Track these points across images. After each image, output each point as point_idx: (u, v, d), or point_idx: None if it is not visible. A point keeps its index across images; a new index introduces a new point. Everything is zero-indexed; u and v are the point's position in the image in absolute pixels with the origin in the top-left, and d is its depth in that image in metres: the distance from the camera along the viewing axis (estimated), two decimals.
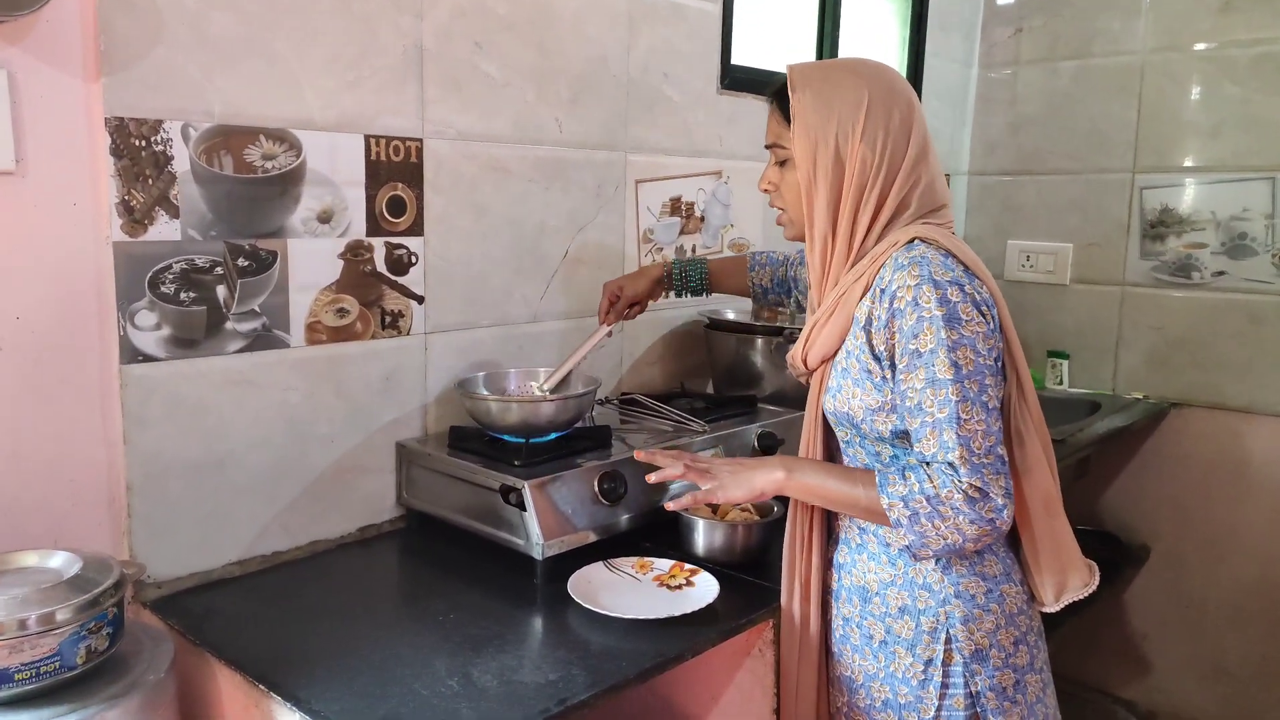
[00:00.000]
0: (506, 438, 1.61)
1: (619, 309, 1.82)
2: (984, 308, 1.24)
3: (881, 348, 1.26)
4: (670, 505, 1.39)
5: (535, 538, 1.45)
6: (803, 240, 1.39)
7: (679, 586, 1.43)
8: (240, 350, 1.47)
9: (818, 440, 1.40)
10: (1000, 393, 1.25)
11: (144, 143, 1.33)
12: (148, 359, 1.37)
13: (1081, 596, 1.35)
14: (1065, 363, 2.90)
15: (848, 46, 2.64)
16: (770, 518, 1.55)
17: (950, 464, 1.19)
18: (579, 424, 1.68)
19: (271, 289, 1.49)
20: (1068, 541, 1.35)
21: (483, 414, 1.61)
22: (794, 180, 1.34)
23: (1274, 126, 2.53)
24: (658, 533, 1.58)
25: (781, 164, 1.38)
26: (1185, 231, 2.70)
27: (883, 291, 1.25)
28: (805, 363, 1.38)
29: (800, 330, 2.01)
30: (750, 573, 1.50)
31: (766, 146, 1.40)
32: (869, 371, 1.28)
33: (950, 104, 3.02)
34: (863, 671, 1.36)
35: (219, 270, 1.43)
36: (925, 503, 1.19)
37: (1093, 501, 2.82)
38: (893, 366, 1.25)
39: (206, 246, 1.41)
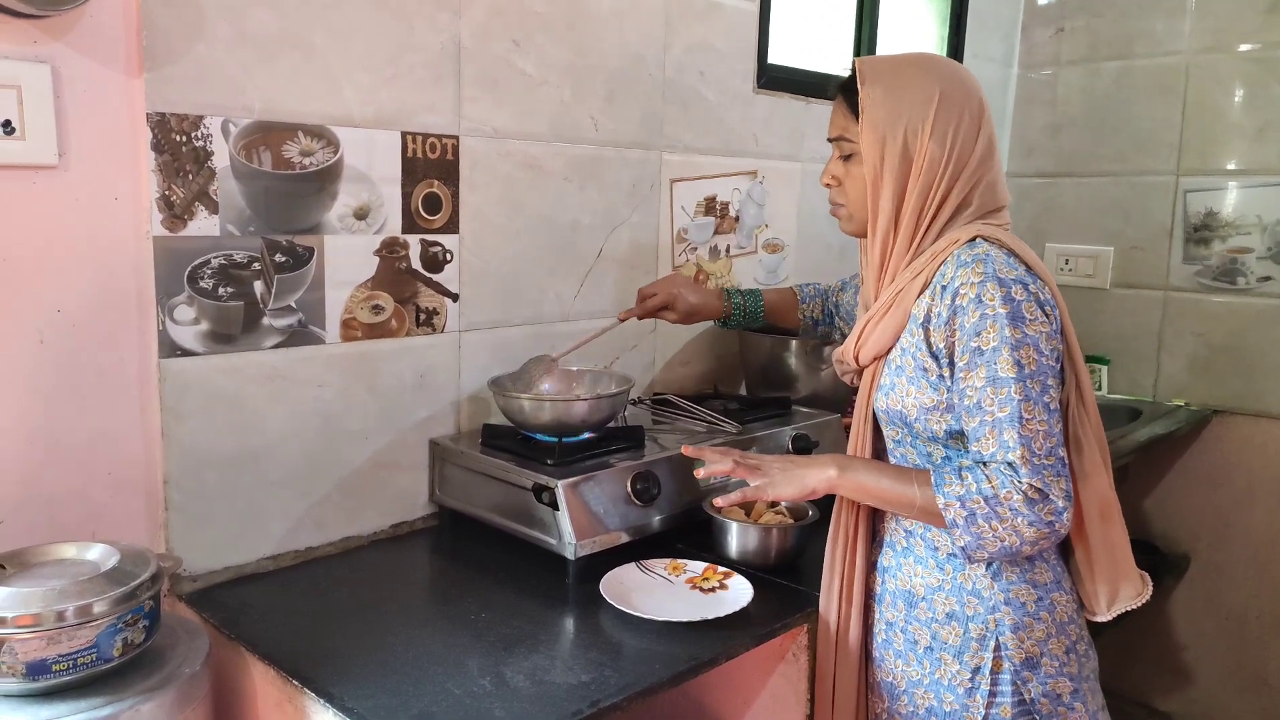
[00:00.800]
0: (539, 436, 1.60)
1: (647, 306, 1.79)
2: (1047, 308, 1.22)
3: (941, 345, 1.23)
4: (720, 501, 1.37)
5: (568, 537, 1.44)
6: (861, 235, 1.37)
7: (712, 589, 1.41)
8: (276, 346, 1.47)
9: (867, 439, 1.37)
10: (1060, 395, 1.23)
11: (185, 138, 1.34)
12: (186, 353, 1.38)
13: (1134, 606, 1.33)
14: (1104, 368, 2.84)
15: (886, 46, 2.61)
16: (805, 521, 1.53)
17: (1010, 464, 1.17)
18: (612, 424, 1.67)
19: (308, 285, 1.50)
20: (1123, 550, 1.32)
21: (516, 412, 1.60)
22: (858, 175, 1.32)
23: None
24: (690, 534, 1.57)
25: (846, 158, 1.35)
26: (1230, 235, 2.64)
27: (944, 288, 1.23)
28: (857, 359, 1.35)
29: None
30: (784, 576, 1.48)
31: (831, 139, 1.37)
32: (925, 369, 1.26)
33: (989, 104, 2.97)
34: (905, 677, 1.34)
35: (256, 266, 1.43)
36: (983, 503, 1.17)
37: (1132, 510, 2.76)
38: (951, 365, 1.23)
39: (245, 242, 1.42)
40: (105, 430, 1.33)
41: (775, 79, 2.25)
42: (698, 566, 1.47)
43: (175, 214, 1.34)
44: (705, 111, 2.10)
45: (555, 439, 1.58)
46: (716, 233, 2.18)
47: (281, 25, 1.41)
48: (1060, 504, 1.17)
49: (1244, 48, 2.59)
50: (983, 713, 1.27)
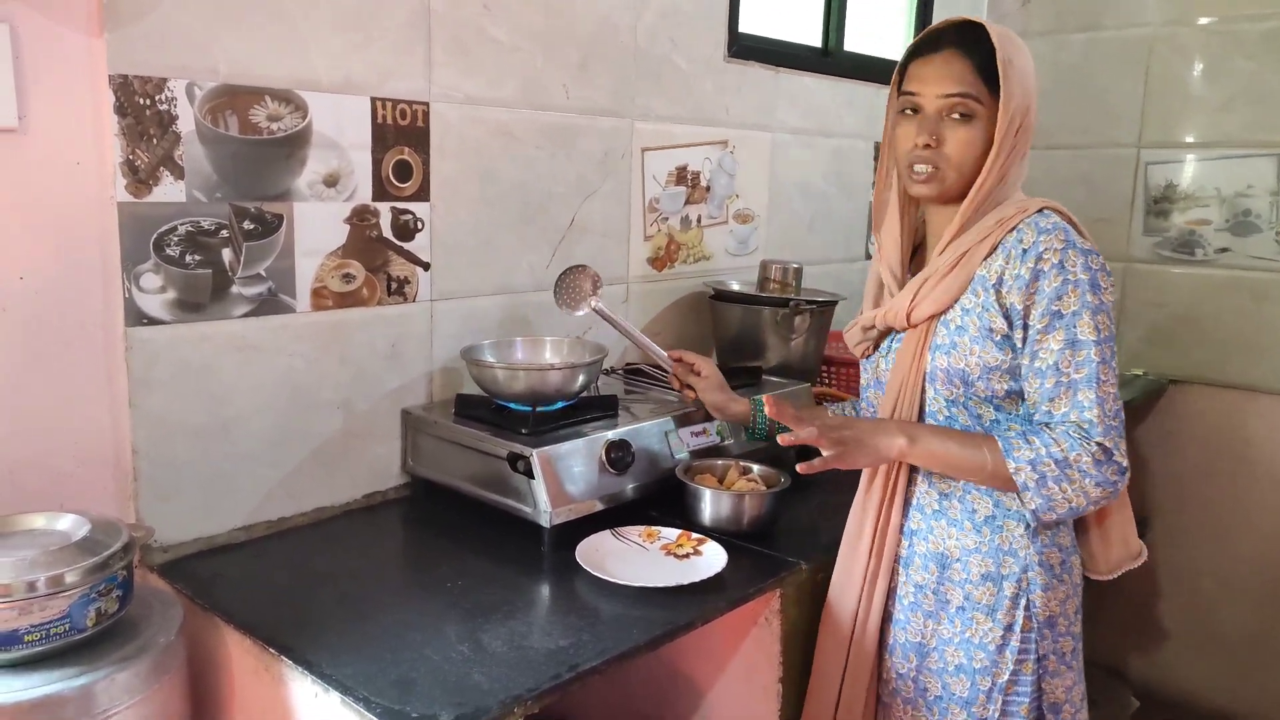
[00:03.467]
0: (513, 406, 1.60)
1: (685, 362, 1.69)
2: (1111, 280, 1.27)
3: (1018, 306, 1.25)
4: (802, 469, 1.28)
5: (543, 505, 1.44)
6: (944, 200, 1.33)
7: (686, 555, 1.43)
8: (246, 315, 1.45)
9: (916, 399, 1.35)
10: None
11: (148, 101, 1.31)
12: (153, 322, 1.35)
13: (1134, 567, 1.43)
14: None
15: (856, 17, 2.61)
16: (777, 488, 1.55)
17: (1086, 422, 1.22)
18: (585, 393, 1.67)
19: (277, 253, 1.48)
20: (1130, 514, 1.42)
21: (489, 381, 1.60)
22: (969, 137, 1.28)
23: None
24: (664, 502, 1.58)
25: (963, 117, 1.28)
26: (1189, 208, 2.69)
27: (1025, 252, 1.25)
28: (909, 318, 1.33)
29: (803, 302, 2.01)
30: (757, 542, 1.50)
31: (948, 95, 1.28)
32: (991, 330, 1.27)
33: None
34: (936, 636, 1.38)
35: (224, 233, 1.41)
36: (1054, 466, 1.21)
37: None
38: (1025, 326, 1.25)
39: (212, 209, 1.39)
40: (71, 400, 1.31)
41: (746, 48, 2.24)
42: (672, 533, 1.48)
43: (140, 179, 1.31)
44: (677, 80, 2.09)
45: (529, 408, 1.57)
46: (688, 202, 2.18)
47: None
48: (1123, 463, 1.23)
49: (1206, 20, 2.62)
50: (1011, 668, 1.33)
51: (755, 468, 1.62)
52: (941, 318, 1.32)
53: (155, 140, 1.32)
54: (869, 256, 2.77)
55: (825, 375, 2.24)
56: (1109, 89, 2.80)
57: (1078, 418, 1.22)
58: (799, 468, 1.28)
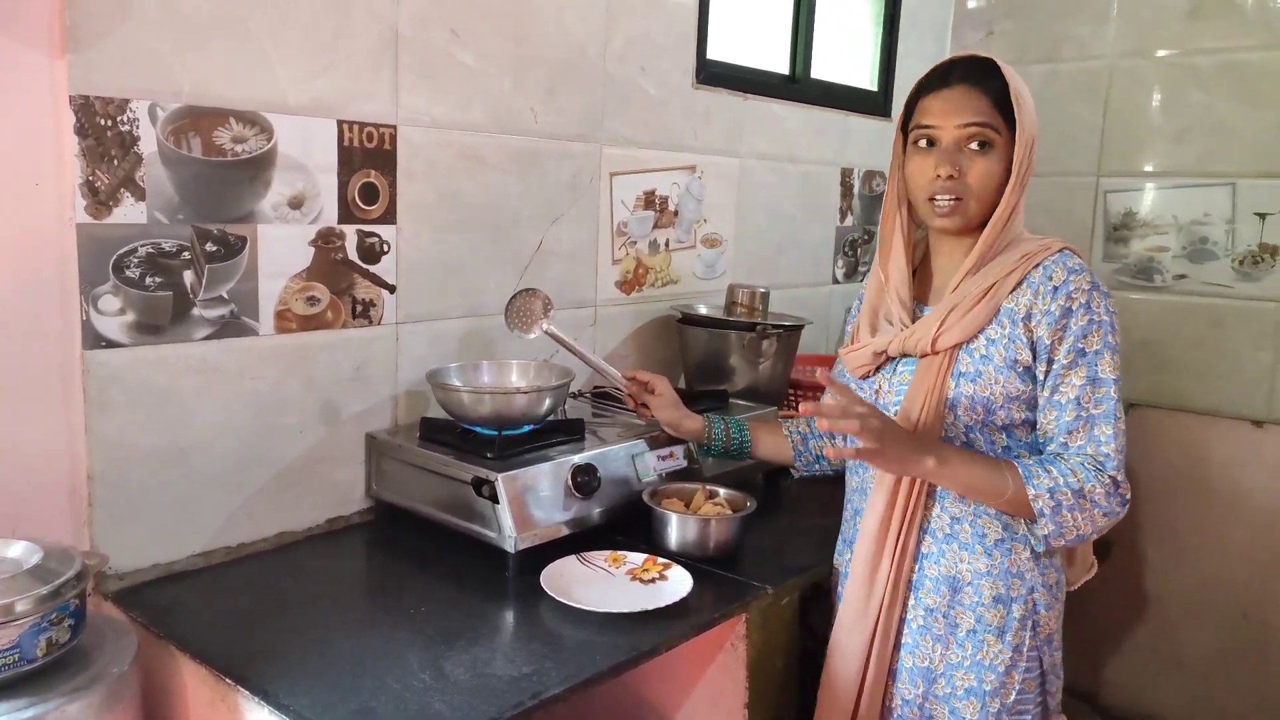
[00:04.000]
0: (479, 430, 1.59)
1: (639, 381, 1.69)
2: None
3: (1045, 341, 1.30)
4: (830, 452, 1.28)
5: (508, 530, 1.43)
6: (965, 231, 1.37)
7: (652, 580, 1.42)
8: (207, 337, 1.44)
9: (937, 424, 1.35)
10: None
11: (110, 122, 1.30)
12: (111, 345, 1.33)
13: (1089, 578, 1.55)
14: None
15: (822, 45, 2.65)
16: (743, 513, 1.55)
17: (1103, 455, 1.28)
18: (552, 417, 1.66)
19: (240, 275, 1.46)
20: None
21: (455, 405, 1.59)
22: (989, 168, 1.32)
23: (1236, 133, 2.58)
24: (630, 527, 1.58)
25: (982, 146, 1.32)
26: (1148, 235, 2.74)
27: (1055, 290, 1.29)
28: (933, 345, 1.35)
29: (770, 326, 2.02)
30: (723, 567, 1.50)
31: (968, 125, 1.32)
32: (1016, 361, 1.31)
33: None
34: (944, 661, 1.38)
35: (186, 255, 1.40)
36: (1070, 495, 1.26)
37: None
38: (1049, 361, 1.30)
39: (173, 230, 1.38)
40: (26, 424, 1.29)
41: (714, 74, 2.26)
42: (637, 558, 1.48)
43: (100, 200, 1.30)
44: (645, 105, 2.10)
45: (495, 432, 1.57)
46: (656, 226, 2.19)
47: (213, 6, 1.38)
48: (1127, 495, 1.29)
49: (1165, 53, 2.69)
50: (1017, 687, 1.36)
51: (722, 491, 1.62)
52: (965, 346, 1.35)
53: (116, 161, 1.31)
54: (837, 281, 2.80)
55: (792, 398, 2.25)
56: (1069, 119, 2.86)
57: (1094, 450, 1.28)
58: (827, 451, 1.29)
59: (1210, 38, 2.60)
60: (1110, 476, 1.27)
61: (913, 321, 1.39)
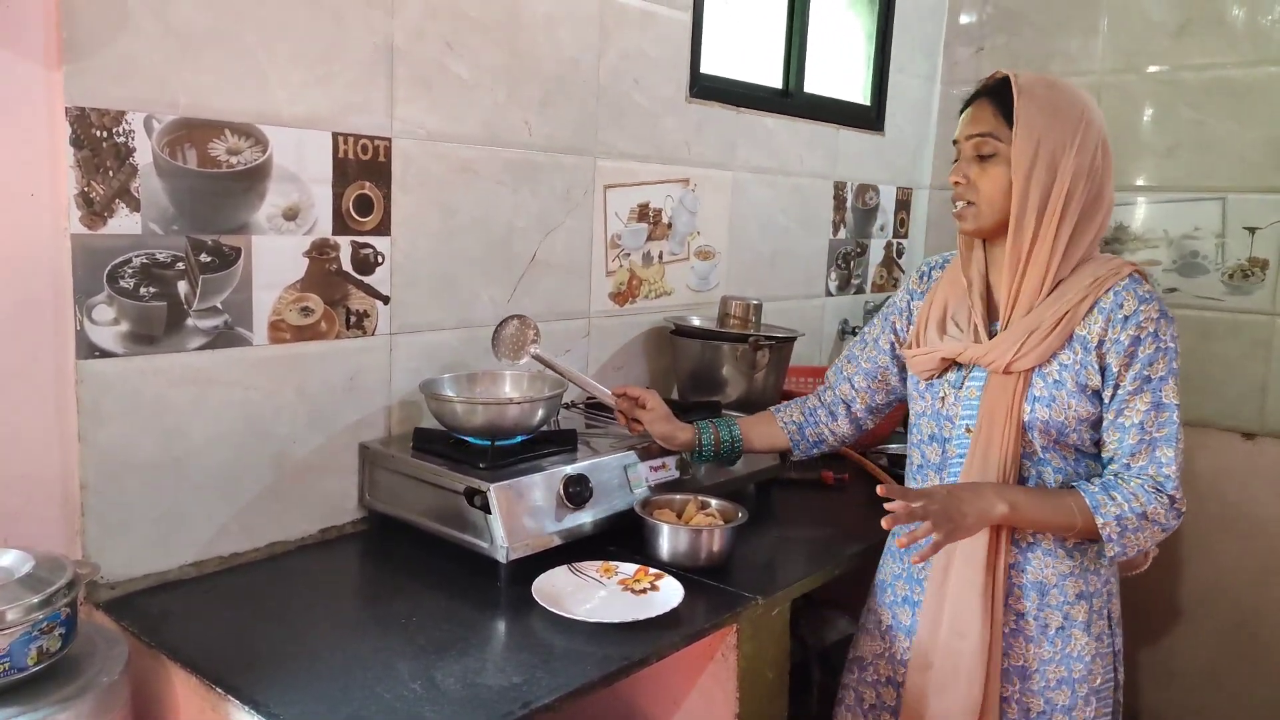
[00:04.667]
0: (472, 440, 1.60)
1: (629, 396, 1.70)
2: None
3: (1114, 368, 1.35)
4: (916, 559, 1.34)
5: (500, 540, 1.44)
6: (984, 235, 1.43)
7: (643, 591, 1.43)
8: (201, 347, 1.44)
9: (1014, 446, 1.39)
10: None
11: (105, 134, 1.31)
12: (105, 354, 1.34)
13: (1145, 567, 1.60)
14: None
15: (815, 60, 2.67)
16: (735, 523, 1.56)
17: (1164, 477, 1.34)
18: (545, 428, 1.67)
19: (234, 286, 1.47)
20: None
21: (448, 416, 1.59)
22: (995, 175, 1.38)
23: (1225, 149, 2.60)
24: (622, 537, 1.58)
25: (984, 157, 1.39)
26: (1139, 249, 2.76)
27: (1126, 318, 1.34)
28: (1009, 368, 1.38)
29: (762, 337, 2.03)
30: (714, 578, 1.50)
31: (971, 136, 1.40)
32: (1086, 386, 1.36)
33: (913, 119, 3.07)
34: (1037, 658, 1.44)
35: (180, 266, 1.40)
36: (1135, 520, 1.33)
37: None
38: (1115, 386, 1.35)
39: (168, 241, 1.39)
40: (18, 433, 1.29)
41: (707, 88, 2.28)
42: (629, 568, 1.48)
43: (95, 211, 1.31)
44: (639, 119, 2.12)
45: (488, 442, 1.57)
46: (649, 239, 2.20)
47: (210, 20, 1.39)
48: (1183, 509, 1.35)
49: (1154, 69, 2.71)
50: (1102, 671, 1.45)
51: (714, 502, 1.63)
52: (1039, 369, 1.39)
53: (112, 172, 1.32)
54: (830, 293, 2.82)
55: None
56: None
57: (1155, 472, 1.34)
58: (914, 559, 1.35)
59: (1198, 54, 2.63)
60: (1169, 496, 1.33)
61: (982, 328, 1.43)
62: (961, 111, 1.45)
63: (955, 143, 1.45)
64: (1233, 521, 2.64)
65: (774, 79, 2.61)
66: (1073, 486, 1.38)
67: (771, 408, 1.74)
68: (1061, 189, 1.35)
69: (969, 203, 1.41)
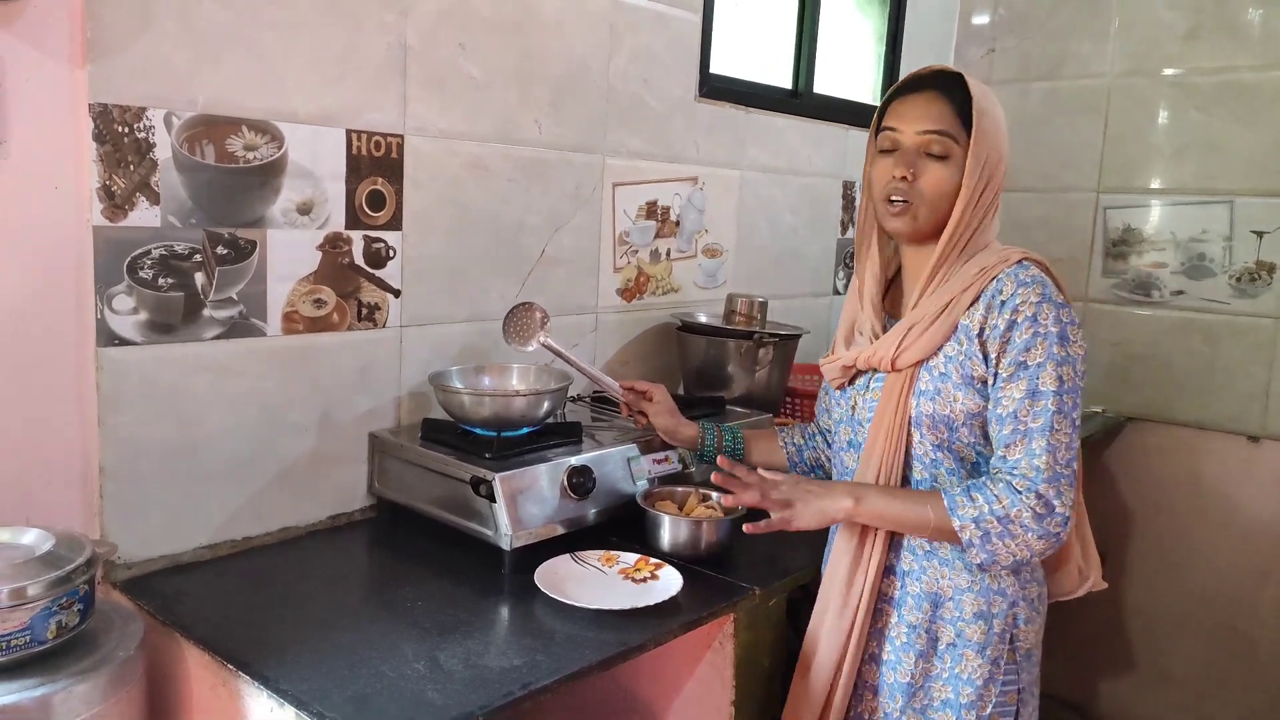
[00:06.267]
0: (478, 431, 1.64)
1: (636, 390, 1.72)
2: (1081, 332, 1.33)
3: (993, 355, 1.30)
4: (749, 528, 1.37)
5: (504, 529, 1.47)
6: (918, 239, 1.38)
7: (643, 579, 1.46)
8: (217, 337, 1.49)
9: (900, 443, 1.37)
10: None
11: (127, 129, 1.35)
12: (124, 343, 1.38)
13: (1100, 588, 1.53)
14: None
15: (825, 62, 2.70)
16: (734, 515, 1.59)
17: (1034, 470, 1.26)
18: (550, 420, 1.70)
19: (250, 278, 1.51)
20: (1090, 544, 1.52)
21: (456, 407, 1.63)
22: (942, 176, 1.33)
23: (1234, 152, 2.61)
24: (624, 527, 1.62)
25: (938, 156, 1.33)
26: (1146, 251, 2.78)
27: (1003, 304, 1.30)
28: (894, 364, 1.36)
29: (767, 335, 2.05)
30: (713, 568, 1.53)
31: (927, 132, 1.33)
32: (973, 377, 1.32)
33: None
34: (924, 675, 1.40)
35: (198, 257, 1.45)
36: (996, 523, 1.26)
37: None
38: (995, 375, 1.30)
39: (186, 234, 1.43)
40: (41, 418, 1.34)
41: (716, 88, 2.31)
42: (630, 558, 1.51)
43: (116, 204, 1.35)
44: (648, 118, 2.15)
45: (494, 433, 1.61)
46: (657, 236, 2.23)
47: (228, 20, 1.43)
48: (1063, 514, 1.27)
49: (1165, 72, 2.72)
50: (994, 700, 1.37)
51: (715, 495, 1.66)
52: (925, 364, 1.36)
53: (133, 167, 1.36)
54: (837, 292, 2.84)
55: (788, 407, 2.29)
56: (1069, 136, 2.89)
57: (1027, 465, 1.27)
58: (745, 528, 1.35)
59: (1208, 57, 2.64)
60: (1037, 493, 1.25)
61: (884, 333, 1.40)
62: (891, 100, 1.38)
63: (886, 131, 1.36)
64: (1235, 524, 2.65)
65: (784, 79, 2.63)
66: (936, 488, 1.34)
67: (777, 426, 1.77)
68: (992, 190, 1.35)
69: (908, 201, 1.34)
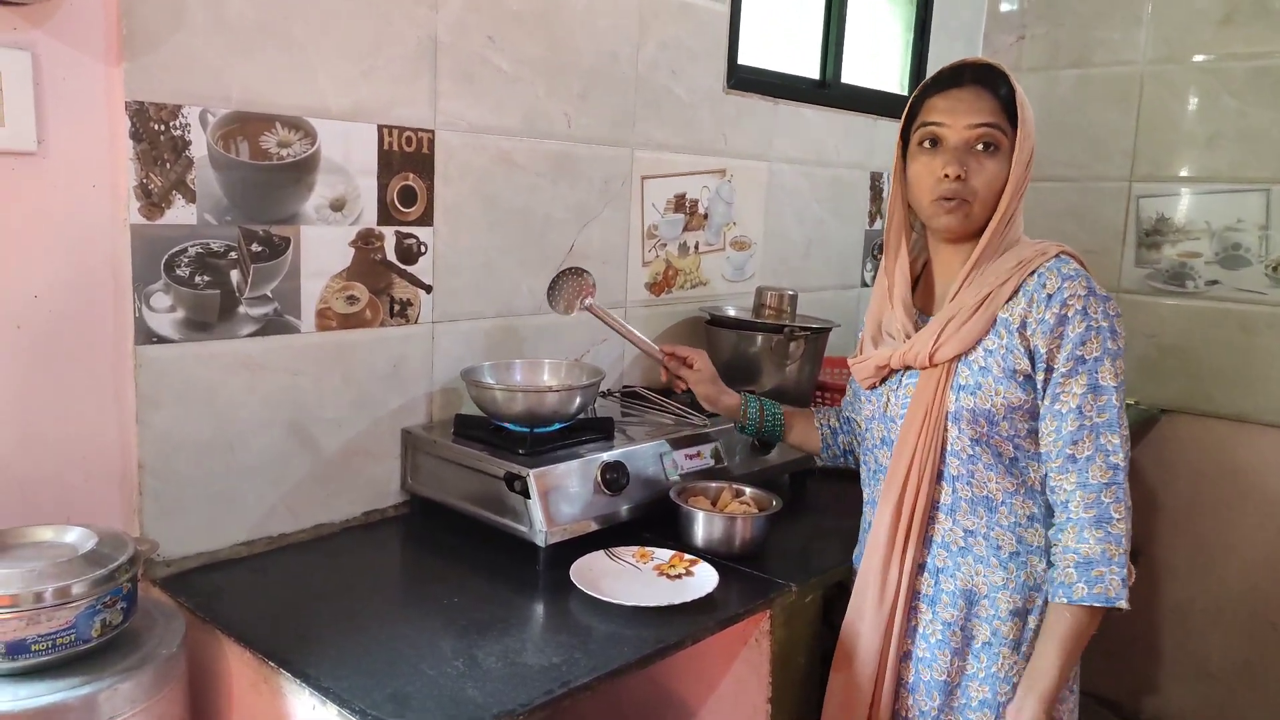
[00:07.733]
0: (511, 426, 1.63)
1: (678, 356, 1.70)
2: (1123, 326, 1.32)
3: (1042, 350, 1.29)
4: None
5: (539, 525, 1.47)
6: (970, 237, 1.36)
7: (679, 576, 1.45)
8: (252, 334, 1.49)
9: (937, 439, 1.35)
10: None
11: (163, 127, 1.35)
12: (162, 340, 1.39)
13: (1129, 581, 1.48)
14: None
15: (853, 51, 2.67)
16: (769, 511, 1.58)
17: (1115, 466, 1.28)
18: (582, 415, 1.70)
19: (284, 275, 1.51)
20: None
21: (488, 403, 1.63)
22: (995, 170, 1.32)
23: (1269, 139, 2.57)
24: (658, 523, 1.61)
25: (989, 148, 1.32)
26: (1180, 240, 2.74)
27: (1049, 297, 1.29)
28: (931, 359, 1.35)
29: (797, 328, 2.04)
30: (748, 564, 1.53)
31: (977, 125, 1.31)
32: (1015, 371, 1.30)
33: None
34: (960, 673, 1.39)
35: (233, 255, 1.45)
36: (1101, 564, 1.27)
37: None
38: (1048, 369, 1.29)
39: (221, 231, 1.43)
40: (80, 416, 1.34)
41: (745, 80, 2.29)
42: (665, 554, 1.51)
43: (153, 202, 1.36)
44: (676, 110, 2.14)
45: (527, 429, 1.61)
46: (686, 229, 2.22)
47: (260, 16, 1.43)
48: (1129, 501, 1.29)
49: (1197, 59, 2.68)
50: None
51: (748, 490, 1.65)
52: (963, 358, 1.34)
53: (169, 165, 1.36)
54: (865, 284, 2.82)
55: (819, 400, 2.27)
56: (1100, 124, 2.85)
57: (1106, 460, 1.28)
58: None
59: (1242, 43, 2.59)
60: (1120, 486, 1.28)
61: (916, 332, 1.39)
62: (927, 94, 1.37)
63: (929, 127, 1.34)
64: (1271, 517, 2.62)
65: (812, 70, 2.61)
66: (1047, 605, 1.32)
67: (814, 408, 1.76)
68: (1028, 181, 1.35)
69: (962, 200, 1.32)
